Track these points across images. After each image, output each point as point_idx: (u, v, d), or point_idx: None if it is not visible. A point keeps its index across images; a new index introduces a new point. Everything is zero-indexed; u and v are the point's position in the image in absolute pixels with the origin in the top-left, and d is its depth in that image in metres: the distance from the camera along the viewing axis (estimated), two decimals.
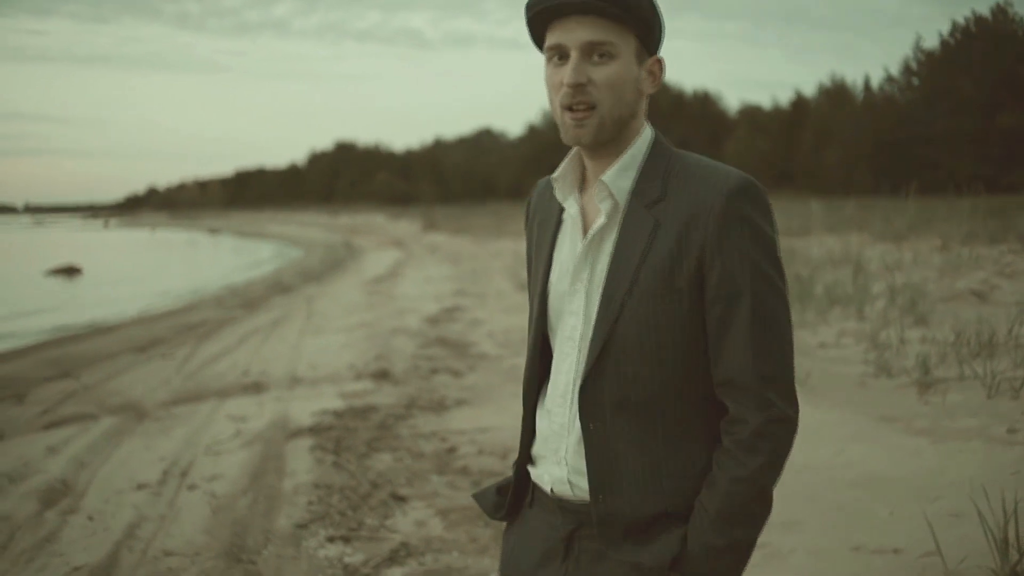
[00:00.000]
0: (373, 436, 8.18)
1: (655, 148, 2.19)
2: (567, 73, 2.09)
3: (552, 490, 2.23)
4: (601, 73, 2.09)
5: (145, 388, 11.46)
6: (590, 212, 2.22)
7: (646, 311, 2.07)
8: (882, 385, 8.09)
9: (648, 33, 2.14)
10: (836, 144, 50.89)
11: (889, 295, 11.23)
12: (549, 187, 2.36)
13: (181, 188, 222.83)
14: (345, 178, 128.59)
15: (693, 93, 70.57)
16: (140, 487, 7.10)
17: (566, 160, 2.26)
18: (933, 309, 10.42)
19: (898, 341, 9.16)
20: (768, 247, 2.08)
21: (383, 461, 7.44)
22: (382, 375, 11.02)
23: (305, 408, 9.39)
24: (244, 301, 22.48)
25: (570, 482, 2.19)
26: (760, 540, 4.90)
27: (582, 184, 2.26)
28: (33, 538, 6.14)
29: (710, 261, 2.05)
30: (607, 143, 2.15)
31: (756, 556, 4.79)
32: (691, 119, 65.06)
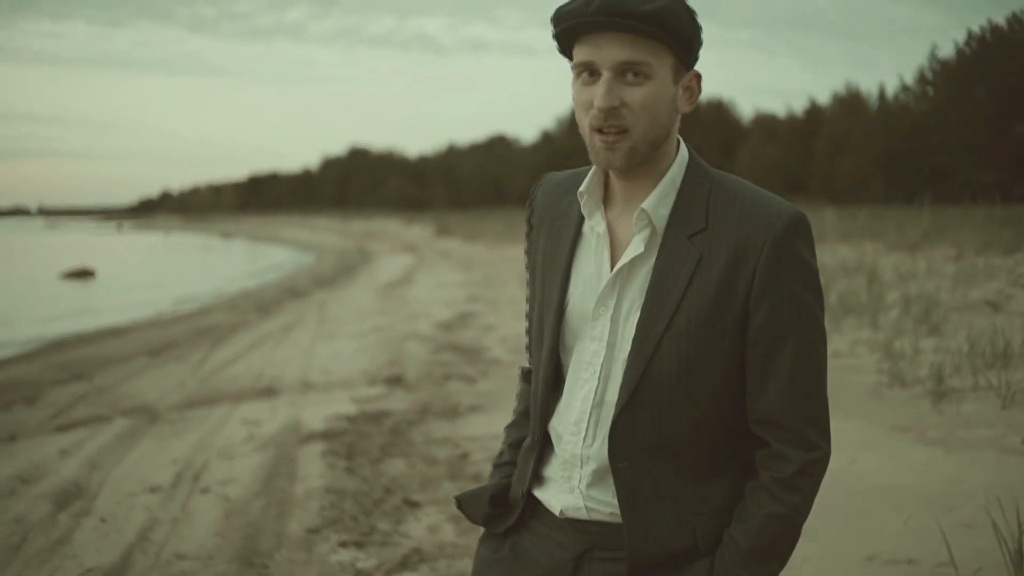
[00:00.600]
0: (386, 441, 8.19)
1: (692, 170, 2.08)
2: (599, 96, 1.95)
3: (562, 512, 2.14)
4: (635, 95, 1.96)
5: (158, 391, 11.48)
6: (618, 233, 2.10)
7: (686, 348, 1.98)
8: (896, 395, 8.08)
9: (686, 49, 2.00)
10: (850, 153, 50.83)
11: (903, 304, 11.21)
12: (560, 188, 2.25)
13: (195, 192, 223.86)
14: (358, 183, 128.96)
15: (707, 101, 70.50)
16: (153, 490, 7.11)
17: (591, 174, 2.12)
18: (947, 319, 10.40)
19: (912, 351, 9.14)
20: (815, 284, 2.02)
21: (396, 467, 7.44)
22: (395, 380, 11.02)
23: (318, 413, 9.40)
24: (257, 305, 22.51)
25: (586, 507, 2.11)
26: None
27: (605, 198, 2.14)
28: (46, 540, 6.15)
29: (758, 299, 1.97)
30: (640, 165, 2.03)
31: None
32: (705, 127, 65.00)
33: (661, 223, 2.04)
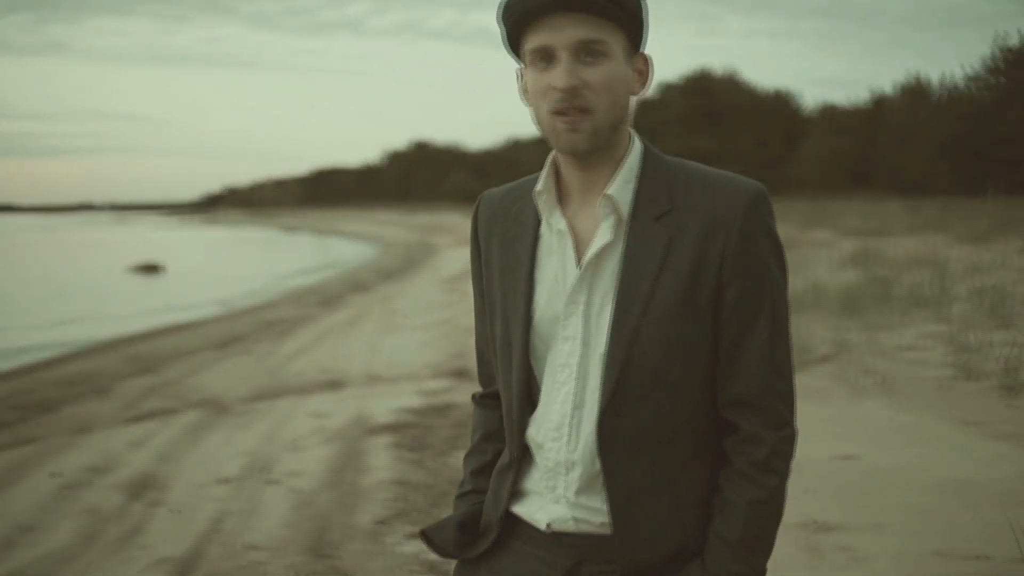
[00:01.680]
0: (452, 434, 8.23)
1: (648, 156, 2.04)
2: (559, 76, 1.91)
3: (549, 526, 2.04)
4: (595, 74, 1.92)
5: (225, 384, 11.62)
6: (580, 228, 2.04)
7: (664, 333, 1.93)
8: (965, 388, 7.99)
9: (637, 28, 1.98)
10: (915, 144, 50.22)
11: (972, 297, 11.08)
12: (505, 200, 2.18)
13: (258, 187, 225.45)
14: (421, 177, 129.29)
15: (768, 92, 69.91)
16: (223, 481, 7.20)
17: (544, 172, 2.06)
18: (1017, 311, 10.26)
19: (982, 344, 9.03)
20: (782, 257, 2.00)
21: (462, 459, 7.47)
22: (460, 373, 11.07)
23: (384, 406, 9.46)
24: (322, 299, 22.69)
25: (575, 519, 2.01)
26: (845, 543, 4.85)
27: (560, 198, 2.08)
28: (120, 530, 6.26)
29: (730, 274, 1.93)
30: (600, 150, 1.98)
31: (841, 558, 4.76)
32: (766, 118, 64.51)
33: (625, 209, 1.99)
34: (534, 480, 2.09)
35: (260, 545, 5.81)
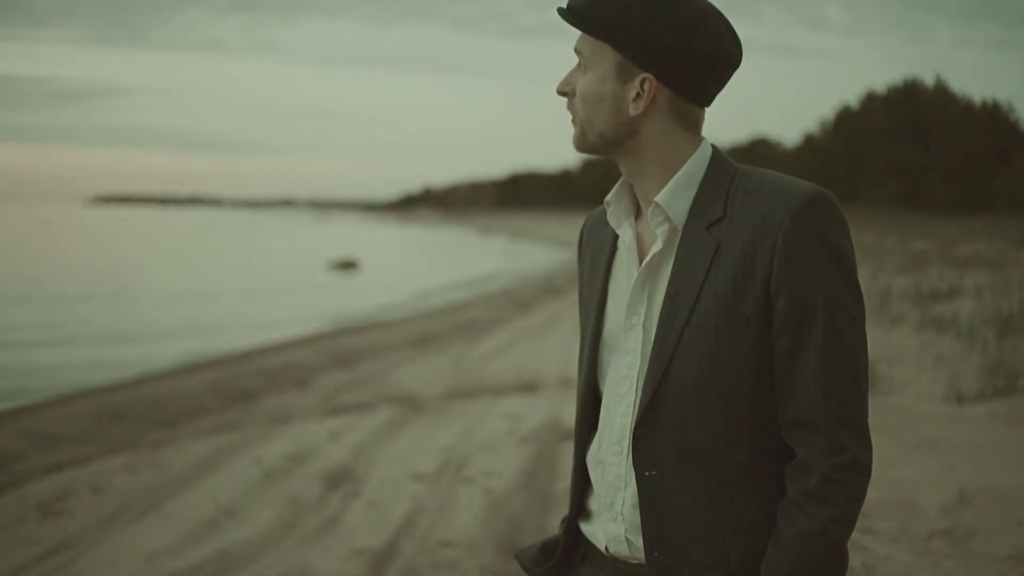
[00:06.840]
0: None
1: (714, 164, 1.97)
2: None
3: (607, 548, 2.01)
4: (578, 84, 1.98)
5: (420, 382, 11.79)
6: (646, 238, 2.01)
7: (707, 344, 1.85)
8: None
9: (631, 46, 1.90)
10: None
11: None
12: (602, 215, 2.16)
13: (455, 189, 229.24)
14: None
15: (981, 103, 67.55)
16: (418, 477, 7.29)
17: (618, 183, 2.06)
18: None
19: None
20: (844, 266, 1.85)
21: None
22: None
23: None
24: (516, 301, 22.86)
25: (627, 540, 1.96)
26: None
27: (635, 209, 2.06)
28: (318, 519, 6.39)
29: (778, 284, 1.83)
30: (624, 156, 1.98)
31: None
32: (978, 131, 62.42)
33: (680, 218, 1.93)
34: (600, 500, 2.04)
35: (454, 542, 5.86)
